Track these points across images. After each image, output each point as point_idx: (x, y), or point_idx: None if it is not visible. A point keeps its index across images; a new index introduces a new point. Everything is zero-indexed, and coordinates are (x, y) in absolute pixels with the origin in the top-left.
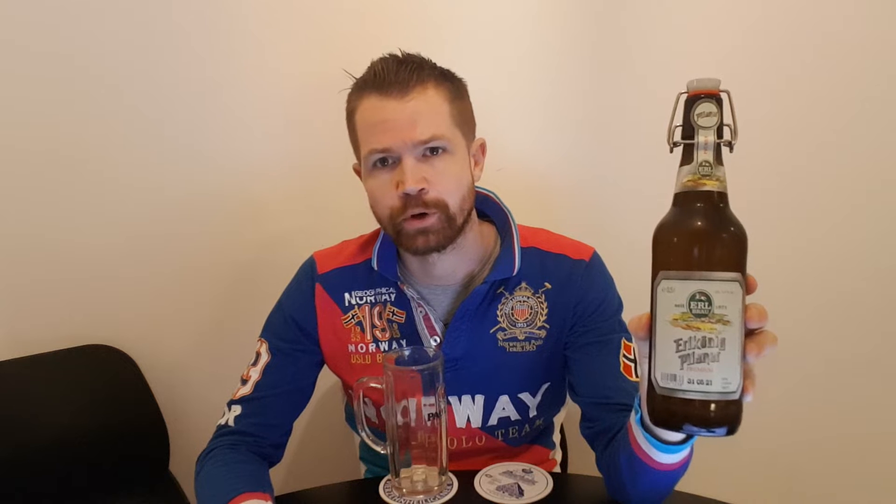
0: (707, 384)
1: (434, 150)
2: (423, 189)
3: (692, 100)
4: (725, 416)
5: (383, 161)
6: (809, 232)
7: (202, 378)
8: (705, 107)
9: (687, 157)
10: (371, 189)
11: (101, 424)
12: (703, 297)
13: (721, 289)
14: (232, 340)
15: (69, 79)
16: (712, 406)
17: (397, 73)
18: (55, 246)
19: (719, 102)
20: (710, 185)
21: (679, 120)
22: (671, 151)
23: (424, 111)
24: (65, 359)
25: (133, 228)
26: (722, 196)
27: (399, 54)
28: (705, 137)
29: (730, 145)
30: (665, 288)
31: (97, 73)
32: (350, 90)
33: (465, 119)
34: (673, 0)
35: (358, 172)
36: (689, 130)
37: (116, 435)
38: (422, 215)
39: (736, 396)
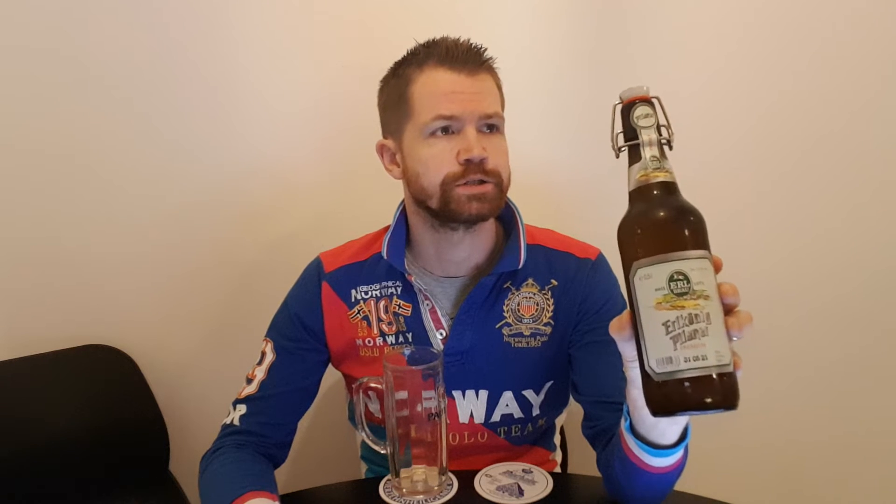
0: (703, 359)
1: (491, 128)
2: (485, 158)
3: (629, 106)
4: (725, 389)
5: (445, 129)
6: (806, 233)
7: (202, 378)
8: (642, 109)
9: (634, 157)
10: (426, 156)
11: (101, 424)
12: (681, 276)
13: (696, 266)
14: (232, 341)
15: (71, 79)
16: (711, 380)
17: (468, 54)
18: (56, 246)
19: (652, 105)
20: (664, 177)
21: (619, 128)
22: (617, 157)
23: (488, 90)
24: (65, 359)
25: (133, 228)
26: (675, 186)
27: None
28: (648, 136)
29: (668, 143)
30: (642, 276)
31: (98, 73)
32: (402, 63)
33: (503, 106)
34: None
35: (381, 150)
36: (631, 133)
37: (116, 435)
38: (480, 182)
39: (731, 369)
